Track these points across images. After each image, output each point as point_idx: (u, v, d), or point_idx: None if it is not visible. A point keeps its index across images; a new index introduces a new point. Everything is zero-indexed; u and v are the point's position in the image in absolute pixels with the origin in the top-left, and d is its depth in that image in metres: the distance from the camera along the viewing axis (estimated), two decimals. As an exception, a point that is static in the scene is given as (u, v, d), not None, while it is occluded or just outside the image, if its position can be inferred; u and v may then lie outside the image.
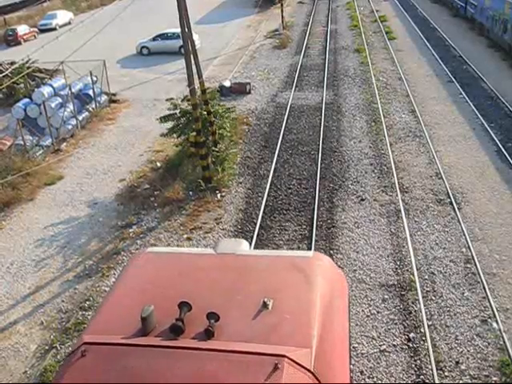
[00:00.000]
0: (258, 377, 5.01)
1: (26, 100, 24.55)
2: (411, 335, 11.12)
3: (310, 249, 13.85)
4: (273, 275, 6.73)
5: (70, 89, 24.57)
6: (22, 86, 28.11)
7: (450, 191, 16.37)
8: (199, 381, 5.02)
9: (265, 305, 5.86)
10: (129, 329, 5.60)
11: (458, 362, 10.41)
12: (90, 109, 26.03)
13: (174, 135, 19.37)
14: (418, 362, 10.47)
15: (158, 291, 6.21)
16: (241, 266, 7.03)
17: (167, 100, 19.79)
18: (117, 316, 6.06)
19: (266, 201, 16.63)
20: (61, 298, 13.43)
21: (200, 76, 18.90)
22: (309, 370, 5.24)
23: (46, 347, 11.90)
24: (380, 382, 10.10)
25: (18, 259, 15.14)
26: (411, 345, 10.89)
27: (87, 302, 13.08)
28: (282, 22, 41.99)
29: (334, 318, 6.37)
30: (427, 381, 10.03)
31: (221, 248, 7.82)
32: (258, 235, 14.88)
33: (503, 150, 18.75)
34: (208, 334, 5.38)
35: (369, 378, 10.18)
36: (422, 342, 10.90)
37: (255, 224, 15.37)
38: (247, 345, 5.34)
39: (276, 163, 19.10)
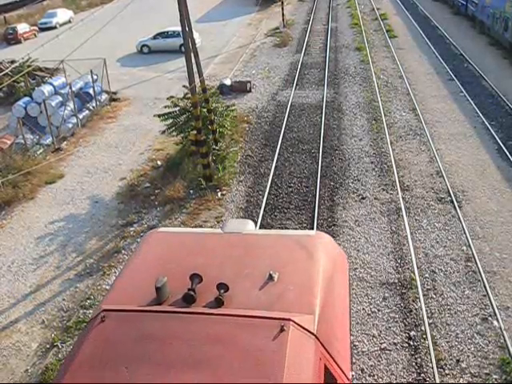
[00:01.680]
0: (265, 338, 5.43)
1: (27, 99, 24.58)
2: (412, 333, 11.13)
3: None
4: (278, 251, 7.16)
5: (71, 87, 24.57)
6: (22, 84, 28.12)
7: (450, 189, 16.36)
8: (211, 342, 5.41)
9: (271, 277, 6.29)
10: (144, 298, 6.02)
11: (458, 360, 10.42)
12: (91, 107, 26.04)
13: (174, 133, 19.38)
14: (419, 360, 10.48)
15: (170, 265, 6.58)
16: (247, 243, 7.48)
17: (168, 98, 19.80)
18: (132, 287, 6.50)
19: (267, 199, 16.63)
20: (62, 297, 13.45)
21: (200, 74, 18.91)
22: (312, 333, 5.67)
23: (47, 346, 11.92)
24: (381, 379, 10.11)
25: (18, 258, 15.16)
26: (412, 343, 10.90)
27: (88, 301, 13.09)
28: (283, 20, 41.92)
29: (336, 289, 6.86)
30: (428, 379, 10.04)
31: (228, 228, 8.25)
32: (258, 234, 14.85)
33: (504, 148, 18.73)
34: (218, 303, 5.77)
35: (369, 375, 10.19)
36: (422, 340, 10.90)
37: (256, 223, 15.37)
38: (255, 311, 5.74)
39: (277, 161, 19.09)
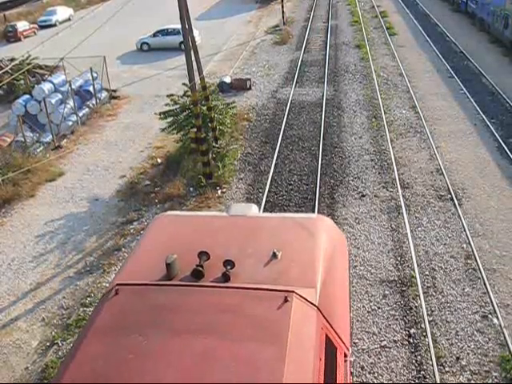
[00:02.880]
0: (270, 308, 5.81)
1: (27, 96, 24.54)
2: (412, 331, 11.14)
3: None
4: (281, 232, 7.56)
5: (71, 85, 24.55)
6: (22, 82, 28.05)
7: (450, 187, 16.36)
8: (219, 311, 5.78)
9: (274, 255, 6.67)
10: (155, 274, 6.38)
11: (458, 358, 10.42)
12: (91, 105, 26.03)
13: (174, 131, 19.38)
14: (419, 357, 10.49)
15: (178, 244, 6.94)
16: (252, 224, 7.92)
17: (168, 96, 19.79)
18: (143, 264, 6.88)
19: (267, 197, 16.63)
20: (62, 295, 13.46)
21: (200, 72, 18.89)
22: (314, 305, 6.07)
23: (48, 343, 11.93)
24: (381, 377, 10.12)
25: (18, 256, 15.16)
26: (412, 340, 10.91)
27: (88, 299, 13.10)
28: (283, 17, 41.89)
29: (336, 267, 7.26)
30: (428, 376, 10.04)
31: (233, 211, 8.72)
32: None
33: (504, 145, 18.72)
34: (225, 278, 6.15)
35: (369, 373, 10.20)
36: (422, 338, 10.91)
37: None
38: (260, 285, 6.14)
39: (277, 159, 19.09)
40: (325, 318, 6.18)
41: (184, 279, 6.27)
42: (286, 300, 5.86)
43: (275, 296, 5.93)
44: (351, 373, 6.94)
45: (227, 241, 7.13)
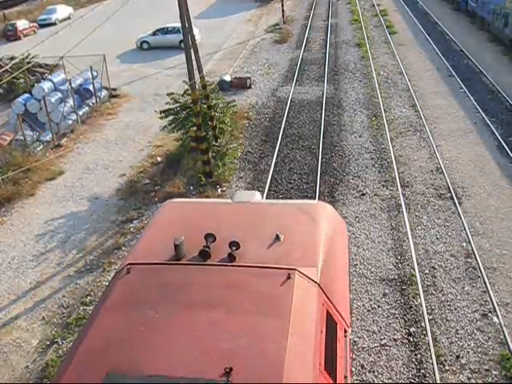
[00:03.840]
0: (273, 284, 6.16)
1: (26, 95, 24.52)
2: (412, 329, 11.14)
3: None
4: (283, 216, 7.94)
5: (70, 84, 24.54)
6: (21, 81, 28.05)
7: (450, 186, 16.36)
8: (225, 287, 6.14)
9: (277, 237, 7.00)
10: (163, 255, 6.76)
11: (458, 356, 10.43)
12: (91, 104, 26.02)
13: (174, 129, 19.37)
14: (419, 356, 10.49)
15: (186, 228, 7.27)
16: (256, 210, 8.31)
17: (168, 94, 19.78)
18: (152, 246, 7.25)
19: (267, 195, 16.61)
20: (62, 293, 13.46)
21: (200, 71, 18.88)
22: (315, 282, 6.42)
23: (48, 342, 11.94)
24: (381, 375, 10.12)
25: (19, 254, 15.17)
26: (412, 339, 10.91)
27: (88, 297, 13.11)
28: (283, 16, 41.87)
29: (336, 249, 7.59)
30: (427, 375, 10.05)
31: (237, 198, 9.11)
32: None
33: (504, 144, 18.71)
34: (231, 258, 6.50)
35: (369, 371, 10.21)
36: (422, 337, 10.92)
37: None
38: (264, 264, 6.51)
39: (277, 158, 19.08)
40: (325, 295, 6.49)
41: (192, 259, 6.62)
42: (288, 277, 6.20)
43: (278, 273, 6.27)
44: (351, 349, 7.26)
45: (232, 225, 7.46)
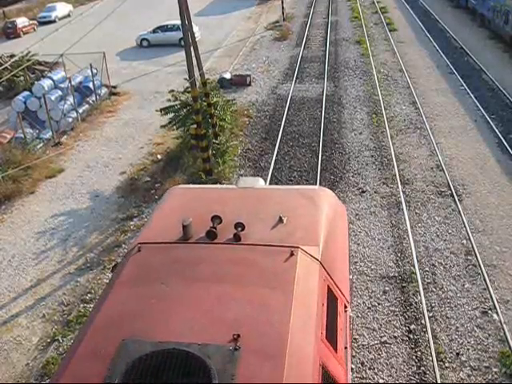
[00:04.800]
0: (277, 261, 6.50)
1: (26, 93, 24.51)
2: (412, 327, 11.15)
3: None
4: (286, 201, 8.29)
5: (70, 81, 24.53)
6: (21, 78, 28.05)
7: (450, 183, 16.36)
8: (232, 263, 6.47)
9: (281, 219, 7.31)
10: (172, 235, 7.08)
11: (458, 354, 10.44)
12: (91, 101, 26.01)
13: (174, 127, 19.36)
14: (419, 353, 10.50)
15: (193, 211, 7.58)
16: (260, 195, 8.70)
17: (169, 92, 19.75)
18: (161, 228, 7.59)
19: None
20: (62, 291, 13.47)
21: (200, 68, 18.87)
22: (317, 259, 6.76)
23: (48, 340, 11.95)
24: (381, 372, 10.13)
25: (19, 252, 15.17)
26: (412, 336, 10.92)
27: (89, 295, 13.12)
28: (283, 13, 41.81)
29: (337, 231, 7.93)
30: (428, 372, 10.06)
31: (241, 184, 9.47)
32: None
33: (504, 141, 18.70)
34: (236, 238, 6.81)
35: (370, 369, 10.22)
36: (422, 334, 10.93)
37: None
38: (269, 242, 6.85)
39: (277, 155, 19.08)
40: (326, 272, 6.81)
41: (199, 240, 6.90)
42: (292, 254, 6.54)
43: (282, 251, 6.61)
44: (351, 325, 7.51)
45: (237, 208, 7.75)
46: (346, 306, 7.16)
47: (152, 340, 5.35)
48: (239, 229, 6.87)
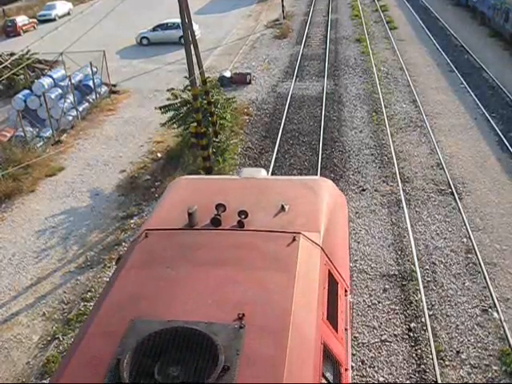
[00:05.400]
0: (280, 245, 6.73)
1: (26, 91, 24.50)
2: (412, 325, 11.16)
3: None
4: (288, 190, 8.53)
5: (70, 80, 24.50)
6: (21, 77, 28.02)
7: (450, 181, 16.36)
8: (236, 248, 6.69)
9: (282, 208, 7.54)
10: (178, 223, 7.30)
11: (458, 352, 10.45)
12: (91, 100, 25.99)
13: (174, 125, 19.36)
14: (419, 351, 10.51)
15: (197, 199, 7.76)
16: (262, 185, 8.92)
17: (168, 90, 19.75)
18: (167, 215, 7.85)
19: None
20: (62, 289, 13.48)
21: (200, 66, 18.86)
22: (318, 245, 7.00)
23: (49, 338, 11.96)
24: (381, 371, 10.14)
25: (19, 250, 15.18)
26: (412, 334, 10.93)
27: (89, 293, 13.13)
28: (283, 11, 41.78)
29: (337, 219, 8.17)
30: (428, 370, 10.07)
31: (244, 174, 9.70)
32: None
33: (504, 140, 18.69)
34: (240, 225, 7.04)
35: (370, 367, 10.23)
36: (422, 332, 10.94)
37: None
38: (271, 229, 7.09)
39: (277, 153, 19.07)
40: (327, 257, 7.03)
41: (204, 227, 7.14)
42: (294, 239, 6.77)
43: (284, 237, 6.84)
44: (351, 309, 7.74)
45: (240, 197, 7.97)
46: (346, 291, 7.38)
47: (160, 319, 5.55)
48: (242, 216, 7.07)
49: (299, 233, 6.92)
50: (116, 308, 6.03)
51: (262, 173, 9.98)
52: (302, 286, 6.15)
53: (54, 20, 48.04)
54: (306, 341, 5.60)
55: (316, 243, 6.98)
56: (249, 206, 7.35)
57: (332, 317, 6.44)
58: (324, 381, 5.58)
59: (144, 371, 5.05)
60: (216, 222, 7.07)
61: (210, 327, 5.38)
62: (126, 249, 7.70)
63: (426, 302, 11.65)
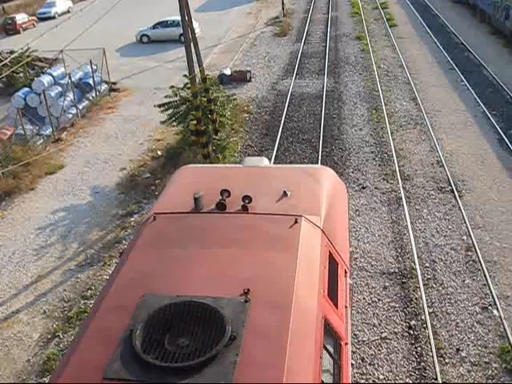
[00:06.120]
0: (283, 227, 7.05)
1: (26, 89, 24.49)
2: (412, 322, 11.17)
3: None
4: (290, 177, 8.85)
5: (70, 78, 24.51)
6: (21, 75, 28.01)
7: (451, 179, 16.35)
8: (240, 229, 7.04)
9: (285, 193, 7.86)
10: (184, 207, 7.62)
11: (458, 349, 10.45)
12: (90, 98, 25.98)
13: (174, 123, 19.34)
14: (419, 349, 10.52)
15: (202, 186, 7.99)
16: (264, 172, 9.27)
17: (170, 88, 19.73)
18: (174, 201, 8.20)
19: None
20: (63, 287, 13.48)
21: (200, 64, 18.84)
22: (319, 227, 7.36)
23: (49, 336, 11.96)
24: (381, 368, 10.15)
25: (19, 248, 15.18)
26: (412, 332, 10.94)
27: (89, 291, 13.13)
28: (283, 9, 41.76)
29: (337, 205, 8.53)
30: (428, 368, 10.08)
31: (247, 163, 10.07)
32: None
33: (504, 137, 18.68)
34: (244, 209, 7.40)
35: (370, 364, 10.24)
36: (422, 330, 10.94)
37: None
38: (274, 212, 7.45)
39: (277, 151, 19.06)
40: (328, 239, 7.35)
41: (210, 211, 7.47)
42: (296, 221, 7.09)
43: (287, 219, 7.15)
44: (351, 290, 8.08)
45: (244, 184, 8.24)
46: (346, 272, 7.74)
47: (170, 295, 5.86)
48: (246, 201, 7.40)
49: (301, 216, 7.21)
50: (127, 285, 6.34)
51: (265, 161, 10.28)
52: (303, 264, 6.46)
53: (53, 18, 48.02)
54: (307, 314, 5.88)
55: (317, 225, 7.30)
56: (252, 191, 7.64)
57: (332, 294, 6.75)
58: (325, 352, 5.88)
59: (155, 342, 5.32)
60: (221, 206, 7.36)
61: (217, 301, 5.66)
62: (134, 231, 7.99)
63: (426, 300, 11.66)
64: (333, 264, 7.20)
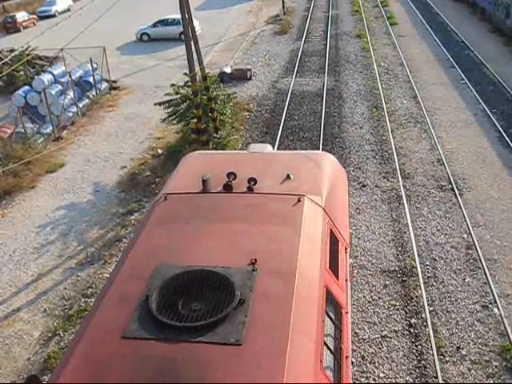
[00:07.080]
0: (286, 205, 7.52)
1: (27, 87, 24.50)
2: (412, 321, 11.17)
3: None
4: (293, 162, 9.27)
5: (71, 76, 24.50)
6: (21, 73, 28.01)
7: (451, 177, 16.35)
8: (247, 208, 7.46)
9: (288, 176, 8.30)
10: (193, 189, 8.09)
11: (458, 348, 10.46)
12: (91, 96, 25.96)
13: (174, 121, 19.34)
14: (419, 347, 10.52)
15: (209, 170, 8.39)
16: (269, 158, 9.76)
17: (171, 86, 19.71)
18: (183, 183, 8.69)
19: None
20: (63, 286, 13.49)
21: (201, 62, 18.83)
22: (320, 206, 7.82)
23: (49, 334, 11.98)
24: (381, 366, 10.16)
25: (20, 247, 15.19)
26: (412, 330, 10.94)
27: (90, 289, 13.14)
28: (283, 7, 41.72)
29: (337, 188, 8.98)
30: (428, 366, 10.08)
31: (251, 149, 10.65)
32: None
33: (505, 135, 18.67)
34: (250, 190, 7.82)
35: (370, 363, 10.24)
36: (423, 328, 10.95)
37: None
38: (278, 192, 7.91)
39: (277, 149, 19.01)
40: (329, 218, 7.81)
41: (217, 192, 7.89)
42: (299, 200, 7.53)
43: (290, 198, 7.60)
44: (351, 268, 8.45)
45: (249, 168, 8.61)
46: (346, 248, 8.21)
47: (182, 265, 6.28)
48: (252, 183, 7.82)
49: (304, 195, 7.67)
50: (141, 256, 6.80)
51: (269, 148, 10.85)
52: (306, 238, 6.90)
53: (53, 16, 47.99)
54: (311, 282, 6.32)
55: (319, 204, 7.77)
56: (257, 174, 8.07)
57: (334, 267, 7.20)
58: (327, 318, 6.32)
59: (170, 305, 5.73)
60: (228, 188, 7.82)
61: (226, 270, 6.09)
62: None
63: (427, 298, 11.66)
64: (334, 240, 7.65)
